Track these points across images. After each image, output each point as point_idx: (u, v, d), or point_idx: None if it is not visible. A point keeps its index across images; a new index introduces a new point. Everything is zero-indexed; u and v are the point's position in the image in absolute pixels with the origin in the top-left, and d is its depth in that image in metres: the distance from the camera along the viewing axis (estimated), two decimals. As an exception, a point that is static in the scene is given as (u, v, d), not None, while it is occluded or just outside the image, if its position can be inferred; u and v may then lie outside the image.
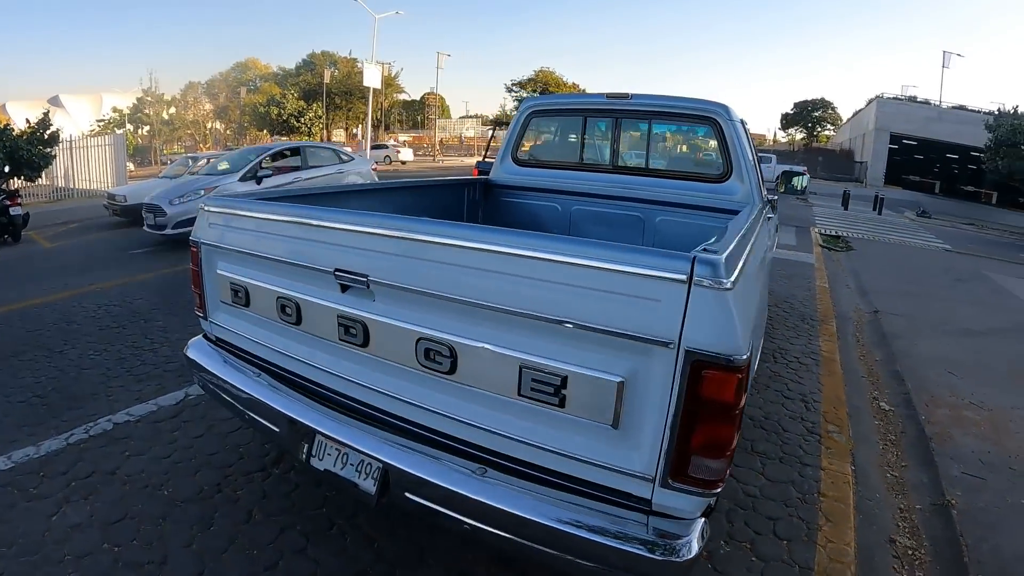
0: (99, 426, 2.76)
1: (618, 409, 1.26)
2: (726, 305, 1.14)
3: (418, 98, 58.60)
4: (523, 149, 4.01)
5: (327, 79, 42.02)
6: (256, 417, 1.83)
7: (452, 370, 1.46)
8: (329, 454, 1.67)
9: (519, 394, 1.37)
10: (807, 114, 59.68)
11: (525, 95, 50.27)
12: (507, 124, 4.57)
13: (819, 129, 60.04)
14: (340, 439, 1.62)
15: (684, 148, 4.01)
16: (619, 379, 1.24)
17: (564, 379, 1.30)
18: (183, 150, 35.82)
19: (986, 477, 2.71)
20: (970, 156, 29.51)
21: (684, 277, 1.15)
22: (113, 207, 9.57)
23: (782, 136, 64.19)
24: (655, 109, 3.62)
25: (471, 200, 3.89)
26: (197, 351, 2.10)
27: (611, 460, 1.30)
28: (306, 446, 1.71)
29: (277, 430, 1.77)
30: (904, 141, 31.24)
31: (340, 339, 1.66)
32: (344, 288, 1.62)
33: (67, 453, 2.53)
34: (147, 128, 37.25)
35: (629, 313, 1.20)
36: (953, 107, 30.01)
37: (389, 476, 1.53)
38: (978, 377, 3.96)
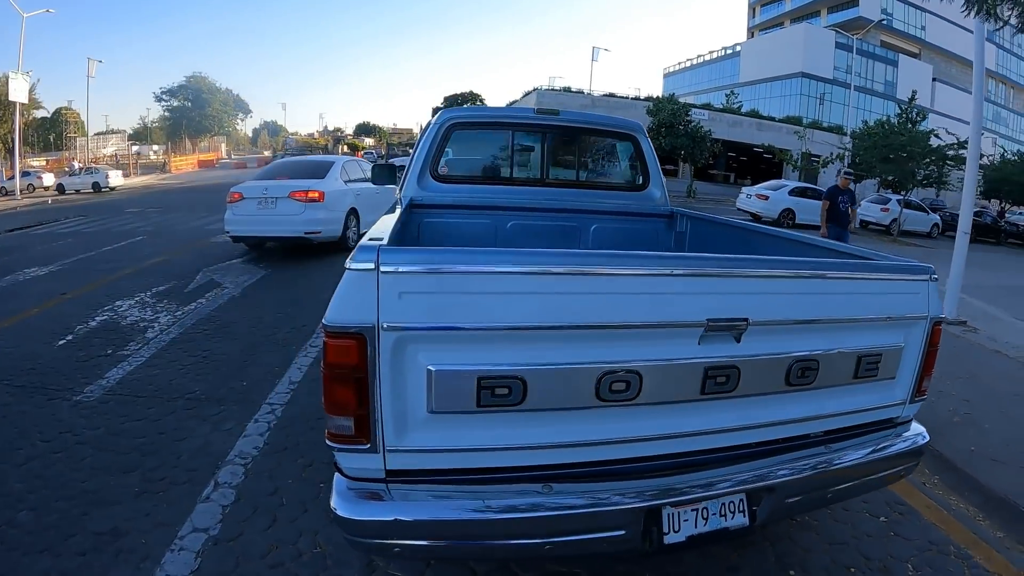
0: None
1: (898, 364, 1.96)
2: (937, 289, 1.99)
3: (50, 114, 46.88)
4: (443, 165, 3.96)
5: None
6: (573, 538, 1.52)
7: (813, 379, 1.78)
8: (686, 519, 1.63)
9: (854, 377, 1.87)
10: (457, 106, 68.62)
11: (176, 104, 45.88)
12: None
13: None
14: (697, 496, 1.63)
15: (608, 161, 4.56)
16: (902, 345, 1.94)
17: (880, 355, 1.89)
18: None
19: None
20: (619, 135, 38.34)
21: (928, 277, 1.94)
22: None
23: None
24: (582, 126, 4.15)
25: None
26: (395, 507, 1.45)
27: (887, 400, 2.00)
28: (654, 529, 1.59)
29: (622, 533, 1.55)
30: (560, 127, 38.17)
31: (702, 394, 1.62)
32: (700, 338, 1.59)
33: None
34: None
35: (910, 303, 1.93)
36: (604, 95, 36.23)
37: (769, 496, 1.73)
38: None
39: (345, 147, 55.66)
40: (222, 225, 8.53)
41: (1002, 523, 2.86)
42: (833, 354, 1.80)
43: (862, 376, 1.87)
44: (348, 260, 1.44)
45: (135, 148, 43.09)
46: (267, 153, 45.50)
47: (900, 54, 51.72)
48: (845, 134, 27.30)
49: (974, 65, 6.30)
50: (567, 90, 35.94)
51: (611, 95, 36.35)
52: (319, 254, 8.39)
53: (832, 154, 25.05)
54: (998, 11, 5.08)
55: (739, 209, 18.95)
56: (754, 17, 64.14)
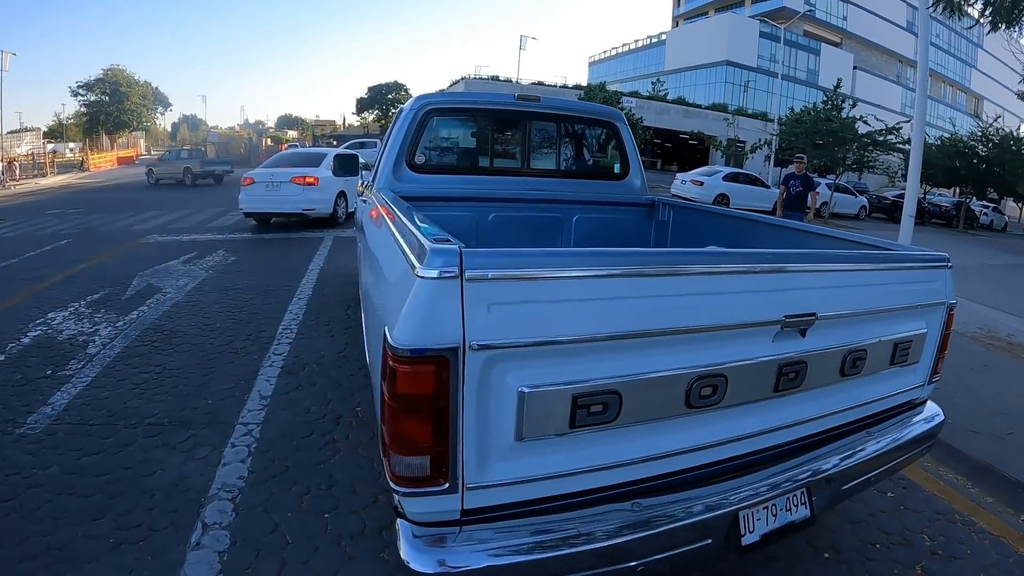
0: None
1: (922, 349, 2.03)
2: (951, 276, 2.07)
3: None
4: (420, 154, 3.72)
5: None
6: (665, 555, 1.43)
7: (862, 368, 1.82)
8: (758, 519, 1.60)
9: (891, 363, 1.92)
10: (382, 97, 66.01)
11: (94, 98, 43.40)
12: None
13: (392, 110, 66.39)
14: (767, 496, 1.61)
15: (588, 150, 4.45)
16: (925, 330, 2.01)
17: (911, 341, 1.95)
18: None
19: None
20: (548, 122, 38.79)
21: (946, 265, 2.03)
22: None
23: (355, 120, 69.41)
24: (562, 113, 4.01)
25: None
26: (482, 553, 1.26)
27: (911, 383, 2.07)
28: (732, 532, 1.55)
29: (709, 541, 1.50)
30: (490, 115, 36.91)
31: (774, 391, 1.61)
32: (775, 335, 1.57)
33: None
34: None
35: (933, 290, 2.01)
36: (533, 83, 35.87)
37: (827, 486, 1.76)
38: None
39: (268, 140, 53.21)
40: (151, 225, 7.97)
41: (989, 489, 3.01)
42: (877, 343, 1.84)
43: (896, 362, 1.93)
44: (417, 266, 1.21)
45: (51, 146, 39.60)
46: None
47: (822, 43, 54.42)
48: (771, 120, 28.49)
49: (919, 64, 6.67)
50: (495, 79, 35.63)
51: (540, 83, 36.24)
52: (262, 253, 8.00)
53: (760, 140, 26.07)
54: (962, 9, 5.32)
55: (674, 195, 19.41)
56: (679, 6, 65.74)
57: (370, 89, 68.26)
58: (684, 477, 1.54)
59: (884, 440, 1.94)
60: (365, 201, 3.94)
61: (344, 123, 73.90)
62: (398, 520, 1.32)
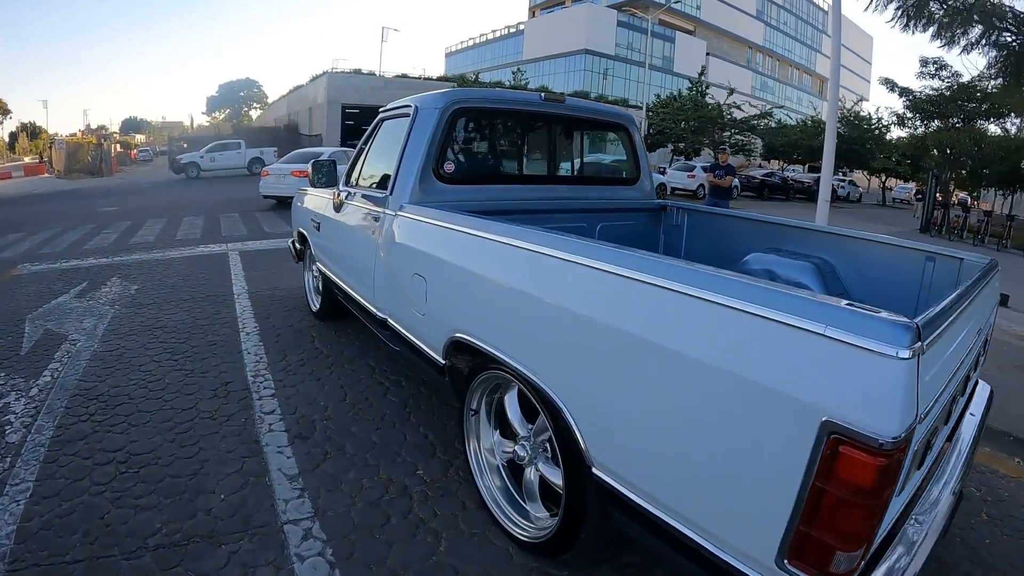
0: None
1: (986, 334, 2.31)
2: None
3: None
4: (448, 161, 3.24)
5: None
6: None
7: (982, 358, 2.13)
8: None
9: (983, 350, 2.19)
10: (234, 95, 63.20)
11: None
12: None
13: (246, 108, 64.04)
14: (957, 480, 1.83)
15: (604, 154, 4.22)
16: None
17: (989, 330, 2.22)
18: None
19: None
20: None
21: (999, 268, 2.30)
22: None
23: (206, 120, 66.76)
24: (585, 116, 3.79)
25: None
26: None
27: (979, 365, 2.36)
28: None
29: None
30: (350, 110, 32.92)
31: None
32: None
33: None
34: None
35: (997, 287, 2.37)
36: (397, 76, 35.70)
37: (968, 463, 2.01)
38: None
39: (117, 147, 46.94)
40: (15, 252, 7.93)
41: (984, 441, 3.33)
42: (984, 335, 2.09)
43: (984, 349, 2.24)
44: (870, 344, 1.08)
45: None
46: (27, 159, 36.11)
47: (677, 31, 58.69)
48: (636, 107, 30.24)
49: (831, 75, 7.36)
50: (358, 72, 34.27)
51: (404, 76, 35.77)
52: (166, 278, 6.86)
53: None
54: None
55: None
56: (535, -4, 67.55)
57: (221, 87, 63.77)
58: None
59: (982, 411, 2.25)
60: (377, 219, 3.27)
61: (193, 124, 69.04)
62: None
